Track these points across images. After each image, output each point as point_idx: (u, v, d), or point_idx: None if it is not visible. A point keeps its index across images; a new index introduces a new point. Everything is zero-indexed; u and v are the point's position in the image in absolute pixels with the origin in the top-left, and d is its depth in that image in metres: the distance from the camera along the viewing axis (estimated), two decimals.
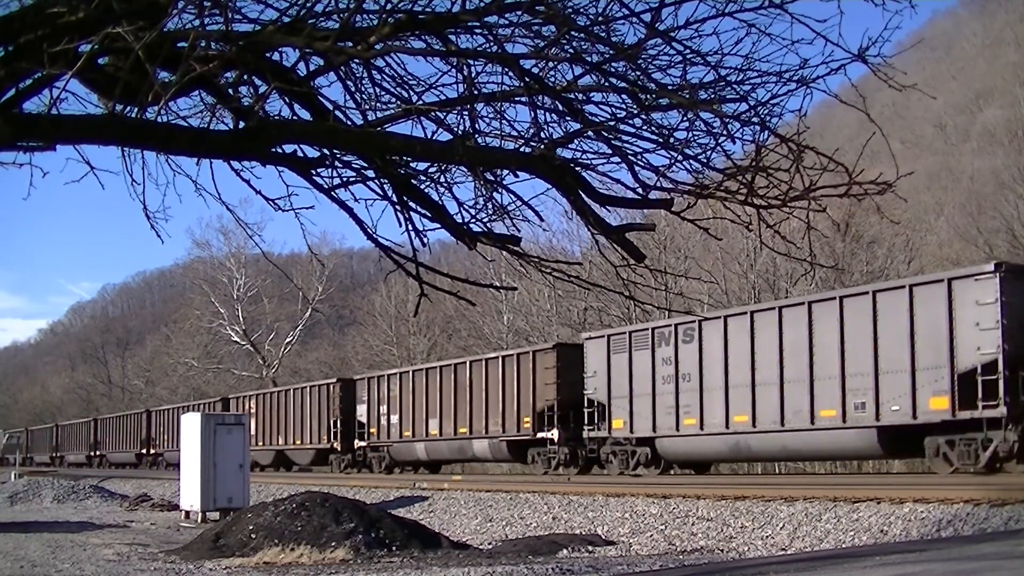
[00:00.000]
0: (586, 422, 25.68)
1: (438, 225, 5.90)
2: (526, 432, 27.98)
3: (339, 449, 37.55)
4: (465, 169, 5.71)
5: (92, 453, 65.16)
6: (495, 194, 5.80)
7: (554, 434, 26.90)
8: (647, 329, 24.56)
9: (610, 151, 5.66)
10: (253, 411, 42.82)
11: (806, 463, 30.79)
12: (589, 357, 25.91)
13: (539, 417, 27.50)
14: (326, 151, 5.66)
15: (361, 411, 36.03)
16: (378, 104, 5.66)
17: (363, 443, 36.08)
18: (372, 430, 35.35)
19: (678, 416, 23.06)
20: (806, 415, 20.28)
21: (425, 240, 5.88)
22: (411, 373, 34.22)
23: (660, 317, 24.92)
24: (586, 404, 25.67)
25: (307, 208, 5.78)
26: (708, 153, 5.64)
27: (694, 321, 22.75)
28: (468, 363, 31.30)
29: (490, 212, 5.84)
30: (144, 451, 56.15)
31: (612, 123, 5.57)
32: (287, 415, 41.63)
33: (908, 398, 18.47)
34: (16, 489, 36.43)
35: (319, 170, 5.66)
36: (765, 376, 21.14)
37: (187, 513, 25.15)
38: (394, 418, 34.03)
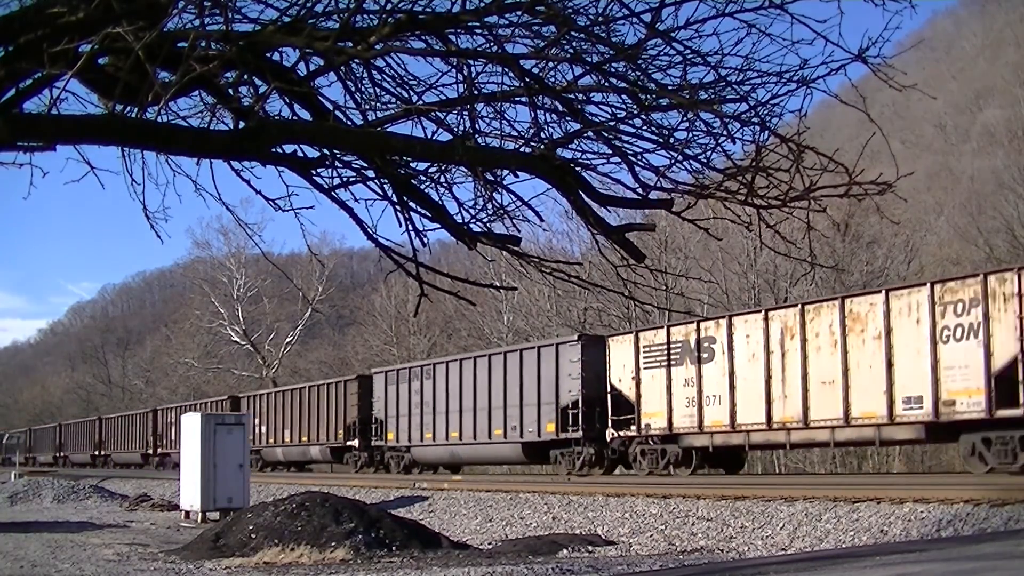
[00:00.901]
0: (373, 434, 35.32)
1: (438, 225, 5.90)
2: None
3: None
4: (465, 169, 5.71)
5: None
6: (495, 194, 5.80)
7: None
8: (406, 368, 34.72)
9: (610, 151, 5.67)
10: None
11: (806, 463, 30.85)
12: (375, 387, 35.28)
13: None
14: (326, 151, 5.66)
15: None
16: (378, 104, 5.66)
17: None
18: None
19: (421, 432, 32.40)
20: (486, 432, 29.28)
21: (425, 240, 5.89)
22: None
23: (660, 317, 25.11)
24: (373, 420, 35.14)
25: (307, 208, 5.79)
26: (708, 153, 5.65)
27: (430, 364, 33.10)
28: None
29: (490, 212, 5.84)
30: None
31: (612, 123, 5.57)
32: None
33: (536, 423, 27.45)
34: (16, 489, 36.43)
35: (319, 170, 5.66)
36: (467, 405, 30.21)
37: (187, 513, 25.15)
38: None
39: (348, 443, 36.94)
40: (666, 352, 23.78)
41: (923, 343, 18.35)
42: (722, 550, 14.97)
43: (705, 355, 22.80)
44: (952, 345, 17.94)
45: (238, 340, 69.21)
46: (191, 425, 25.59)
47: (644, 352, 24.43)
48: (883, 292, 19.73)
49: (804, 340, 20.55)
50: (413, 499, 24.64)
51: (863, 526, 14.39)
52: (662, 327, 24.44)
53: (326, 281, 67.57)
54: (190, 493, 24.97)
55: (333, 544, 15.48)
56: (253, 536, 16.32)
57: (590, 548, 15.67)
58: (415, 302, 9.32)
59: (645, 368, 24.32)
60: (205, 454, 24.36)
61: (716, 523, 16.40)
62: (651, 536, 16.69)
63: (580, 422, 25.81)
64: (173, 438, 49.19)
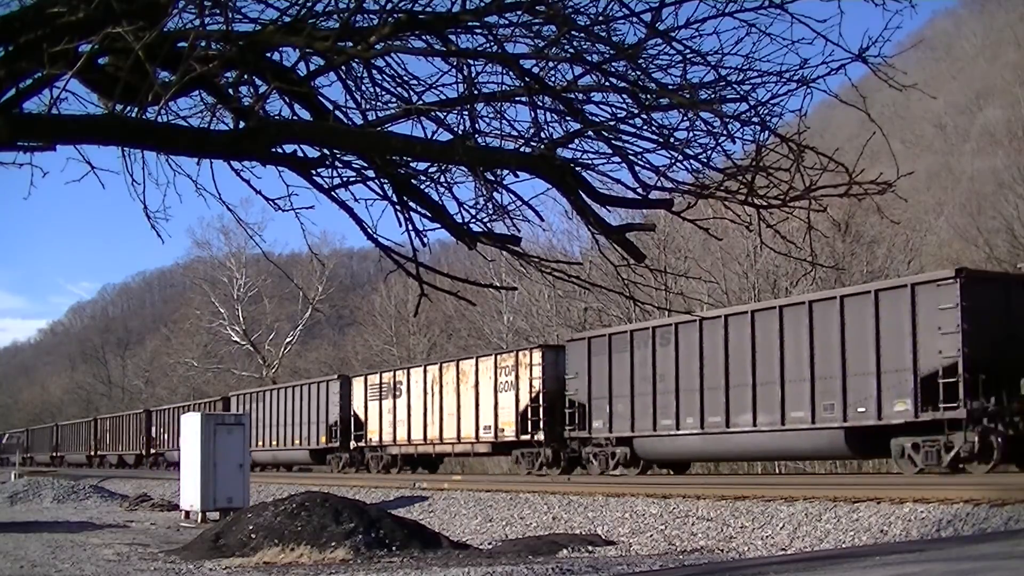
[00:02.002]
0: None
1: (438, 225, 5.90)
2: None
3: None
4: (465, 169, 5.70)
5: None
6: (495, 194, 5.80)
7: None
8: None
9: (610, 151, 5.66)
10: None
11: (806, 463, 30.84)
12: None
13: None
14: (326, 151, 5.65)
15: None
16: (378, 104, 5.66)
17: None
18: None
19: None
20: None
21: (425, 240, 5.89)
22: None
23: (660, 317, 24.90)
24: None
25: (307, 208, 5.79)
26: (708, 153, 5.64)
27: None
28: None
29: (490, 212, 5.84)
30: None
31: (612, 123, 5.57)
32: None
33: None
34: (16, 489, 36.44)
35: (319, 170, 5.66)
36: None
37: (187, 513, 25.15)
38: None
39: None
40: (379, 389, 35.72)
41: (491, 392, 29.82)
42: (722, 550, 14.97)
43: (398, 392, 34.55)
44: (503, 394, 29.39)
45: (238, 340, 69.23)
46: (191, 425, 25.58)
47: (370, 389, 36.39)
48: (474, 359, 31.67)
49: (442, 386, 32.27)
50: (413, 499, 24.64)
51: (863, 526, 14.39)
52: (376, 372, 37.48)
53: (326, 281, 67.57)
54: (190, 493, 24.97)
55: (333, 544, 15.48)
56: (253, 536, 16.32)
57: (590, 548, 15.67)
58: (415, 302, 9.31)
59: (370, 400, 36.30)
60: (205, 454, 24.36)
61: (716, 523, 16.40)
62: (651, 536, 16.69)
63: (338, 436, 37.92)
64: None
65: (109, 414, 67.92)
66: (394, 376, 35.24)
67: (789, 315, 21.09)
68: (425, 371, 33.40)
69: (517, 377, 28.61)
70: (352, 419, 37.32)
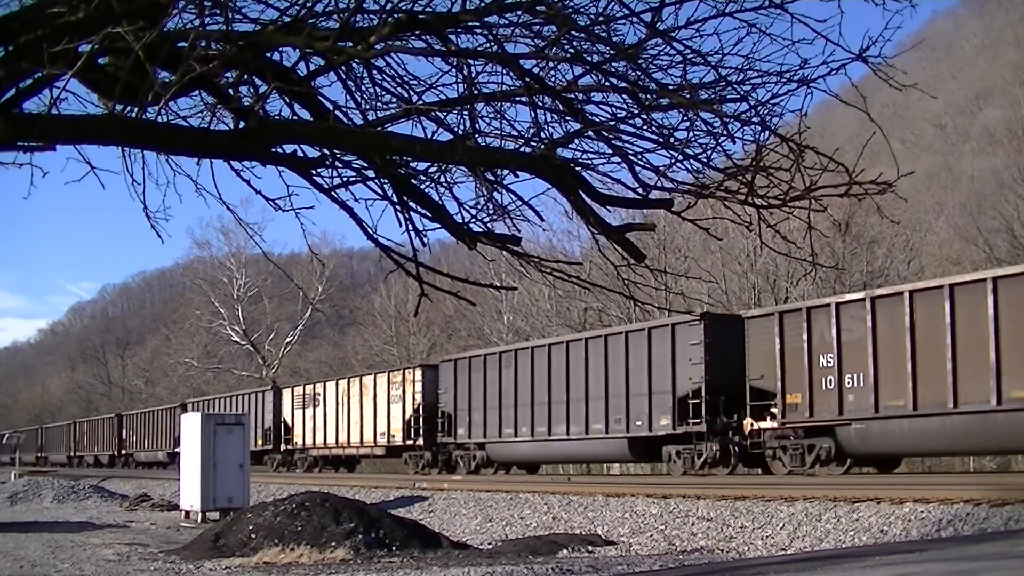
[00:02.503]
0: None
1: (438, 225, 5.90)
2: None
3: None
4: (465, 169, 5.70)
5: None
6: (495, 194, 5.79)
7: None
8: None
9: (610, 151, 5.66)
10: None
11: None
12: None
13: None
14: (326, 151, 5.65)
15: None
16: (378, 104, 5.66)
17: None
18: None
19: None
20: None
21: (425, 240, 5.88)
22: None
23: (660, 317, 25.21)
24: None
25: (307, 208, 5.78)
26: (708, 153, 5.64)
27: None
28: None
29: (490, 212, 5.83)
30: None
31: (612, 123, 5.56)
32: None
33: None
34: (16, 489, 36.43)
35: (319, 170, 5.65)
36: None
37: (187, 513, 25.15)
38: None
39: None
40: (303, 398, 40.08)
41: (385, 404, 34.29)
42: (722, 550, 14.97)
43: (317, 402, 38.82)
44: (394, 405, 33.78)
45: (238, 340, 69.20)
46: (191, 425, 25.58)
47: (296, 399, 40.65)
48: (373, 375, 36.49)
49: (349, 397, 36.64)
50: (413, 499, 24.64)
51: (863, 526, 14.39)
52: (300, 384, 42.68)
53: (326, 281, 67.52)
54: (190, 493, 24.97)
55: (333, 544, 15.48)
56: (253, 536, 16.32)
57: (590, 548, 15.66)
58: (415, 302, 9.31)
59: (296, 408, 40.60)
60: (205, 454, 24.35)
61: (716, 523, 16.40)
62: (651, 536, 16.69)
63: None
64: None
65: (85, 418, 72.40)
66: (314, 388, 40.06)
67: (592, 346, 25.83)
68: (337, 384, 38.32)
69: (404, 391, 33.41)
70: (283, 425, 42.14)
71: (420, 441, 32.44)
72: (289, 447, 41.50)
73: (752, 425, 21.85)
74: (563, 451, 27.61)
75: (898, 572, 7.45)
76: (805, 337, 20.55)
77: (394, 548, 15.73)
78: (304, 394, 40.38)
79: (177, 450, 51.02)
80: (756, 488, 18.45)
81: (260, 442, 41.56)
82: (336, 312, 77.69)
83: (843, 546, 13.83)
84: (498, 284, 38.38)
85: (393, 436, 33.89)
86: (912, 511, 14.20)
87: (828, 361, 20.19)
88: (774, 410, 21.40)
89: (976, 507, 13.59)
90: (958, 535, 12.89)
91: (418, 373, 33.11)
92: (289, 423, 41.40)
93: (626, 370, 24.35)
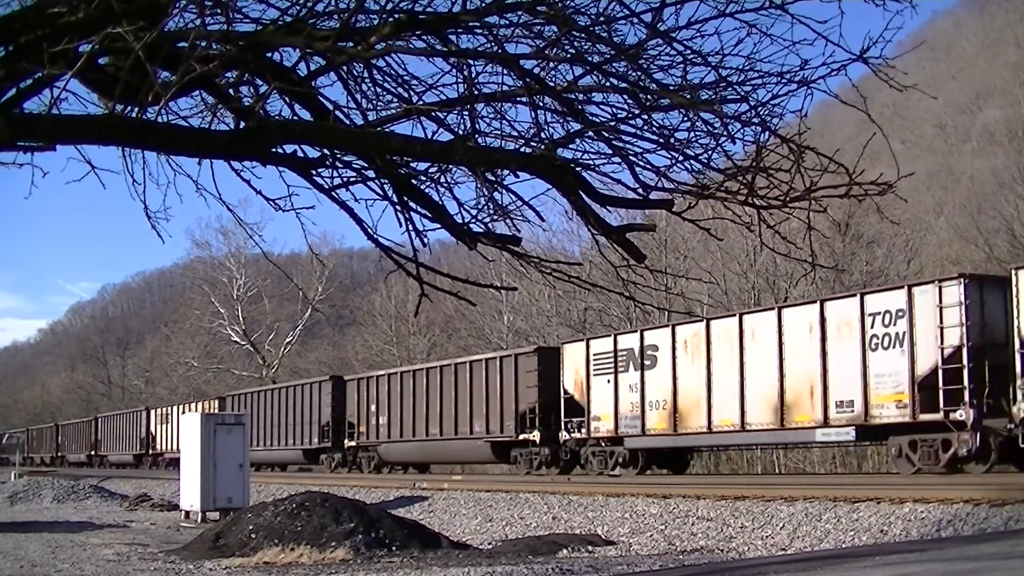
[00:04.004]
0: None
1: (438, 225, 5.89)
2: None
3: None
4: (465, 169, 5.70)
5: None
6: (495, 194, 5.79)
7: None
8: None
9: (611, 151, 5.66)
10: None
11: (806, 463, 30.89)
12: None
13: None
14: (326, 151, 5.65)
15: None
16: (378, 104, 5.66)
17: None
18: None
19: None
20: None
21: (425, 240, 5.88)
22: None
23: (660, 317, 25.42)
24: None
25: (307, 208, 5.77)
26: (709, 153, 5.63)
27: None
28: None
29: (490, 212, 5.83)
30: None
31: (613, 123, 5.56)
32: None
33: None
34: (16, 489, 36.43)
35: (319, 170, 5.65)
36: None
37: (187, 513, 25.15)
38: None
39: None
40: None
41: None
42: (722, 550, 14.96)
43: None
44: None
45: (238, 340, 69.17)
46: (191, 425, 25.58)
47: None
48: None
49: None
50: (413, 499, 24.64)
51: (863, 526, 14.38)
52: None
53: (326, 281, 67.51)
54: (190, 493, 24.96)
55: (333, 544, 15.48)
56: (253, 536, 16.31)
57: (590, 548, 15.66)
58: (415, 302, 9.31)
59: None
60: (205, 454, 24.35)
61: (716, 523, 16.40)
62: (651, 536, 16.68)
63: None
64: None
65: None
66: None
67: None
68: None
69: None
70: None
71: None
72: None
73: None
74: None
75: (898, 572, 7.45)
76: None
77: (394, 548, 15.73)
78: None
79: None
80: (756, 488, 18.45)
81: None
82: (336, 312, 77.66)
83: (843, 546, 13.83)
84: (498, 284, 38.31)
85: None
86: (912, 511, 14.20)
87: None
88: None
89: (976, 507, 13.59)
90: (958, 535, 12.89)
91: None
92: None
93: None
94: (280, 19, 5.04)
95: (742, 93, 5.37)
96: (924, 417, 18.16)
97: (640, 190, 5.83)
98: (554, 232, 41.36)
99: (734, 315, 23.04)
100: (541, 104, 5.54)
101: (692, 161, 5.64)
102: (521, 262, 6.38)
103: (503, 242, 6.00)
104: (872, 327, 19.13)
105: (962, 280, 18.09)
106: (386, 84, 5.64)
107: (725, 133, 5.50)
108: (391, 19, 4.95)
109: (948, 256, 40.57)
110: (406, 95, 5.67)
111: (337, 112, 5.50)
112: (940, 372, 17.88)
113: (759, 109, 5.43)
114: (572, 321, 43.85)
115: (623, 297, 6.57)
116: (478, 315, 49.31)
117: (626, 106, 5.55)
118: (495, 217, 5.85)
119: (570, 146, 5.70)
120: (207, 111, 5.52)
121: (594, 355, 26.15)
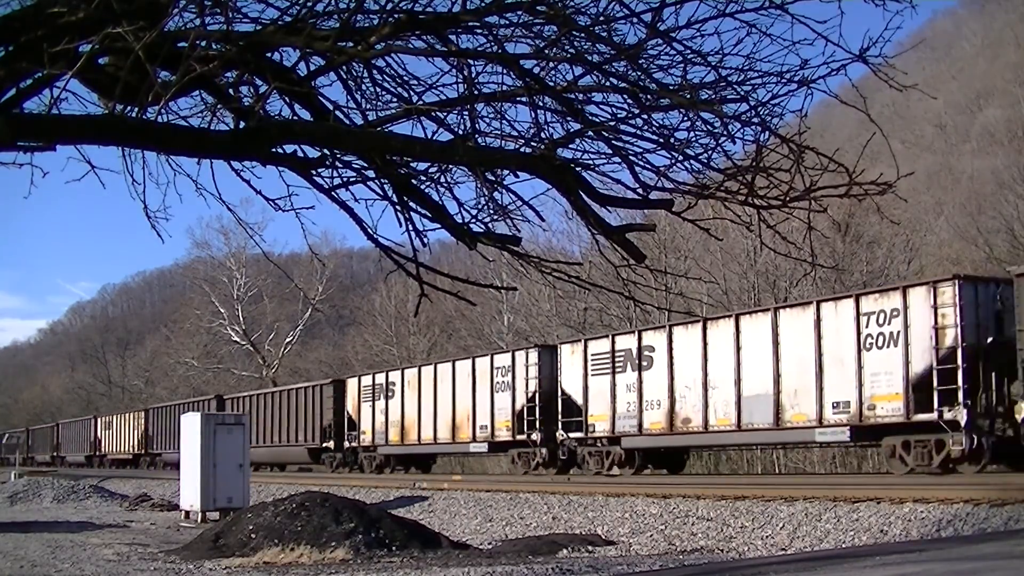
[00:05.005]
0: None
1: (438, 225, 5.89)
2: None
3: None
4: (465, 169, 5.70)
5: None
6: (495, 194, 5.79)
7: None
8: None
9: (611, 151, 5.65)
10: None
11: (806, 463, 30.91)
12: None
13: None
14: (326, 151, 5.64)
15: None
16: (378, 104, 5.66)
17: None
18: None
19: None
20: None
21: (425, 240, 5.88)
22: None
23: (660, 317, 25.46)
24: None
25: (307, 208, 5.77)
26: (709, 153, 5.63)
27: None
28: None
29: (490, 212, 5.83)
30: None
31: (613, 123, 5.56)
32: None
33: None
34: (16, 489, 36.42)
35: (319, 170, 5.64)
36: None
37: (187, 513, 25.14)
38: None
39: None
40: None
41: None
42: (722, 550, 14.97)
43: None
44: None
45: (238, 340, 69.17)
46: (191, 425, 25.58)
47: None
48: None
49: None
50: (413, 499, 24.64)
51: (863, 526, 14.39)
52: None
53: (326, 281, 67.49)
54: (190, 493, 24.96)
55: (333, 544, 15.48)
56: (253, 536, 16.31)
57: (590, 548, 15.66)
58: (415, 302, 9.31)
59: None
60: (205, 454, 24.35)
61: (716, 523, 16.40)
62: (651, 536, 16.68)
63: None
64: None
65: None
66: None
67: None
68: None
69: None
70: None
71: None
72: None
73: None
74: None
75: (898, 572, 7.45)
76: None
77: (394, 548, 15.73)
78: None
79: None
80: (756, 488, 18.45)
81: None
82: (336, 312, 77.67)
83: (843, 546, 13.83)
84: (498, 284, 38.34)
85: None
86: (912, 511, 14.20)
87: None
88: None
89: (976, 507, 13.59)
90: (958, 535, 12.89)
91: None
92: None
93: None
94: (280, 19, 5.04)
95: (742, 93, 5.37)
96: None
97: (640, 190, 5.82)
98: (554, 232, 41.39)
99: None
100: (541, 104, 5.54)
101: (692, 161, 5.64)
102: (521, 262, 6.37)
103: (503, 242, 6.00)
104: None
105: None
106: (386, 84, 5.65)
107: (725, 133, 5.50)
108: (391, 19, 4.95)
109: (948, 256, 40.56)
110: (406, 95, 5.67)
111: (337, 112, 5.49)
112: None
113: (759, 109, 5.43)
114: (572, 321, 43.85)
115: (623, 297, 6.57)
116: (478, 315, 49.32)
117: (626, 106, 5.55)
118: (495, 217, 5.84)
119: (570, 146, 5.70)
120: (207, 111, 5.53)
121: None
